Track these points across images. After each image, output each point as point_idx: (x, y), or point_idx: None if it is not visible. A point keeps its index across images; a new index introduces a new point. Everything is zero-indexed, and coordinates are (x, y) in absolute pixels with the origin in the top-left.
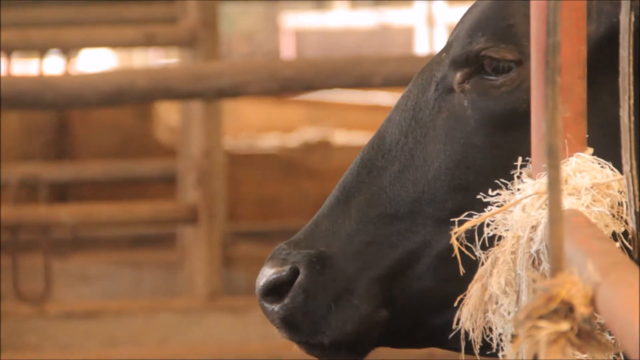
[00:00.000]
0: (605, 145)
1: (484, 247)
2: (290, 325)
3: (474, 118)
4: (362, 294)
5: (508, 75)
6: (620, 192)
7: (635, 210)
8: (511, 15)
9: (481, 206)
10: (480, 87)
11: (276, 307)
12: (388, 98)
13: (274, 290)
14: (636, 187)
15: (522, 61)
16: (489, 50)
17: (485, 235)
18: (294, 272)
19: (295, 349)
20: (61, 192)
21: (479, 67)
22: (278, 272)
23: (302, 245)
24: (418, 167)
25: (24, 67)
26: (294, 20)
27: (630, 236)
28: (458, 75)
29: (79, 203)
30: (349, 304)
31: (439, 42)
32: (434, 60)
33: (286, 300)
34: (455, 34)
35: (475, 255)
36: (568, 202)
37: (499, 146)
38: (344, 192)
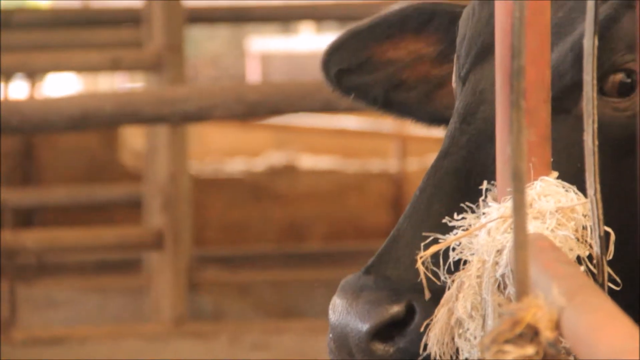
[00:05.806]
0: None
1: (449, 271)
2: None
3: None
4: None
5: (631, 97)
6: (585, 216)
7: (599, 234)
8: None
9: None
10: (600, 110)
11: (391, 350)
12: (354, 122)
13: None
14: (600, 211)
15: None
16: (631, 64)
17: (450, 259)
18: (410, 309)
19: None
20: (26, 217)
21: (599, 87)
22: (387, 309)
23: (393, 273)
24: None
25: None
26: (260, 44)
27: (594, 260)
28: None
29: (44, 228)
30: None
31: None
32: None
33: (402, 344)
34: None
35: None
36: (533, 226)
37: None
38: (432, 216)
